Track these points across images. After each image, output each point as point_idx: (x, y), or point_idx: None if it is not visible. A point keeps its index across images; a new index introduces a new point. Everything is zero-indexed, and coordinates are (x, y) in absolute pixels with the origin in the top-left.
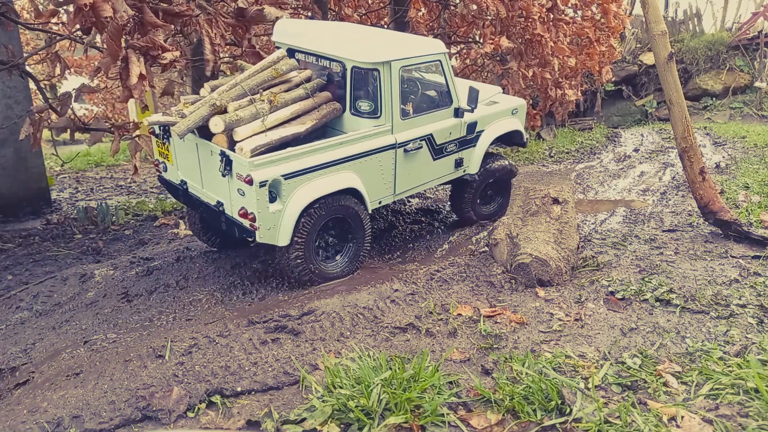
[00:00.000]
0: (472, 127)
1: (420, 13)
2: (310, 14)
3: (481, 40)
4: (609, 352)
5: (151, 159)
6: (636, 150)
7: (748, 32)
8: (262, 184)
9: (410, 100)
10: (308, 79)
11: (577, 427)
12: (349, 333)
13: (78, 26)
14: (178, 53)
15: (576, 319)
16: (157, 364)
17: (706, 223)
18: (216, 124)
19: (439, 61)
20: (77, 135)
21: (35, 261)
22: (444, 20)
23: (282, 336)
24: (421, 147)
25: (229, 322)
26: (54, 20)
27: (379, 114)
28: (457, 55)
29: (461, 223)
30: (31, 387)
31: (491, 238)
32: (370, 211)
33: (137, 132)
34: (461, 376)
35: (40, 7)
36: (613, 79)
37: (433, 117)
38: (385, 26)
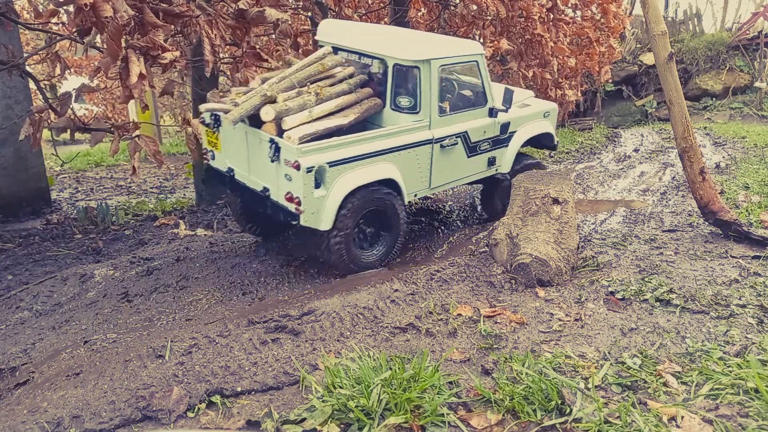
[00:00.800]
0: (505, 127)
1: (420, 13)
2: (310, 14)
3: (481, 41)
4: (609, 352)
5: (150, 159)
6: (636, 150)
7: (748, 32)
8: (309, 170)
9: (447, 98)
10: (351, 76)
11: (577, 427)
12: (349, 333)
13: (77, 26)
14: (178, 53)
15: (576, 319)
16: (157, 364)
17: (706, 223)
18: (267, 113)
19: (476, 62)
20: (77, 135)
21: (35, 261)
22: (444, 20)
23: (282, 336)
24: (456, 143)
25: (229, 322)
26: (54, 20)
27: (418, 110)
28: None
29: (491, 221)
30: (31, 387)
31: (491, 238)
32: (406, 203)
33: (137, 132)
34: (461, 376)
35: (40, 7)
36: (613, 80)
37: (469, 115)
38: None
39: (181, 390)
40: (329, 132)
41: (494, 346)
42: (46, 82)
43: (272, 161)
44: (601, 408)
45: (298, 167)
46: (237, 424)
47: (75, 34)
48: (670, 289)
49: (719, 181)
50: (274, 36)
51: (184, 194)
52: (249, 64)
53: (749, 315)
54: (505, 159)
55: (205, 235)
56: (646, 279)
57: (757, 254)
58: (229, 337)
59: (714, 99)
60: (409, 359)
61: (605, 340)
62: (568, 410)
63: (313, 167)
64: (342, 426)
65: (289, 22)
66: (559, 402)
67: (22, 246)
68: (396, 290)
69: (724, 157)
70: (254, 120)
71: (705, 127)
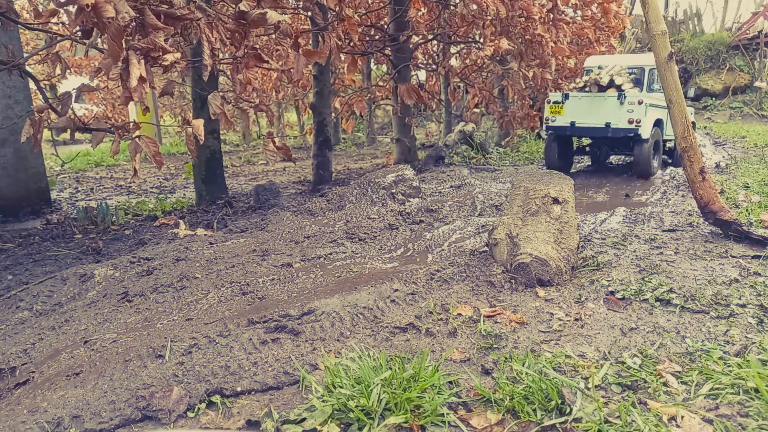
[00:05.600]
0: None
1: (420, 13)
2: (310, 14)
3: (481, 41)
4: (609, 352)
5: (150, 160)
6: None
7: (748, 32)
8: (647, 105)
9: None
10: (628, 74)
11: (577, 427)
12: (349, 333)
13: (79, 27)
14: (179, 55)
15: (576, 319)
16: (157, 364)
17: (706, 222)
18: (619, 80)
19: (654, 69)
20: (77, 135)
21: (35, 261)
22: (444, 20)
23: (282, 336)
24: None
25: (229, 322)
26: (54, 20)
27: (661, 90)
28: (458, 55)
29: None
30: (31, 387)
31: (491, 238)
32: (662, 138)
33: (137, 132)
34: (461, 376)
35: (40, 7)
36: None
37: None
38: (385, 26)
39: (181, 390)
40: None
41: (494, 346)
42: (46, 82)
43: (621, 104)
44: (601, 408)
45: (641, 103)
46: (237, 424)
47: (77, 34)
48: (670, 289)
49: (719, 181)
50: (274, 36)
51: (184, 194)
52: (249, 65)
53: (749, 315)
54: (669, 127)
55: (205, 235)
56: (646, 279)
57: (757, 254)
58: (229, 337)
59: (714, 99)
60: (409, 359)
61: (605, 340)
62: (568, 410)
63: (646, 103)
64: (342, 426)
65: (290, 23)
66: (559, 402)
67: (22, 246)
68: (396, 290)
69: (724, 156)
70: (599, 88)
71: (705, 127)
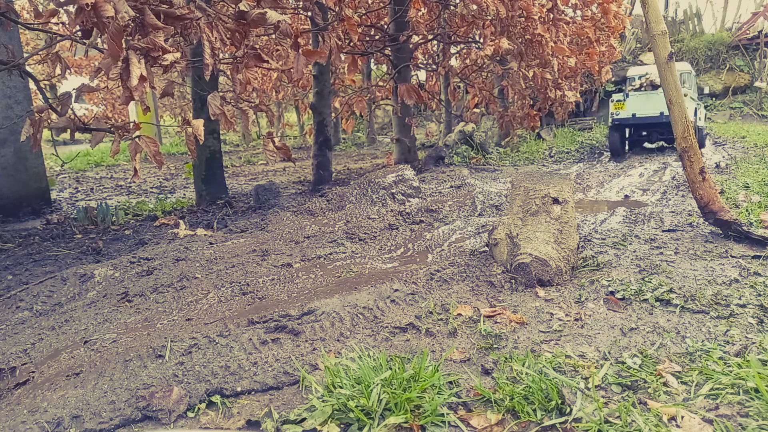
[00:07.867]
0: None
1: (420, 13)
2: (310, 14)
3: (481, 41)
4: (609, 352)
5: (151, 159)
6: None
7: (748, 32)
8: (689, 98)
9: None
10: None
11: (577, 427)
12: (349, 333)
13: (78, 27)
14: (179, 55)
15: (576, 319)
16: (157, 364)
17: (706, 223)
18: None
19: (690, 73)
20: (77, 135)
21: (35, 261)
22: (444, 20)
23: (282, 336)
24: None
25: (229, 322)
26: (54, 20)
27: (691, 90)
28: (457, 55)
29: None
30: (31, 387)
31: (491, 238)
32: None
33: (137, 132)
34: (461, 376)
35: (40, 7)
36: (613, 79)
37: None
38: (386, 26)
39: (181, 390)
40: None
41: (494, 346)
42: (46, 82)
43: None
44: (601, 408)
45: (686, 95)
46: (237, 424)
47: (77, 34)
48: (670, 289)
49: (719, 181)
50: (274, 36)
51: (184, 194)
52: (249, 65)
53: (749, 315)
54: (699, 120)
55: (205, 235)
56: (646, 279)
57: (757, 254)
58: (229, 337)
59: (714, 99)
60: (409, 359)
61: (605, 340)
62: (568, 410)
63: (689, 96)
64: (342, 426)
65: (290, 23)
66: (559, 402)
67: (22, 246)
68: (396, 290)
69: (724, 156)
70: (651, 87)
71: (705, 127)
